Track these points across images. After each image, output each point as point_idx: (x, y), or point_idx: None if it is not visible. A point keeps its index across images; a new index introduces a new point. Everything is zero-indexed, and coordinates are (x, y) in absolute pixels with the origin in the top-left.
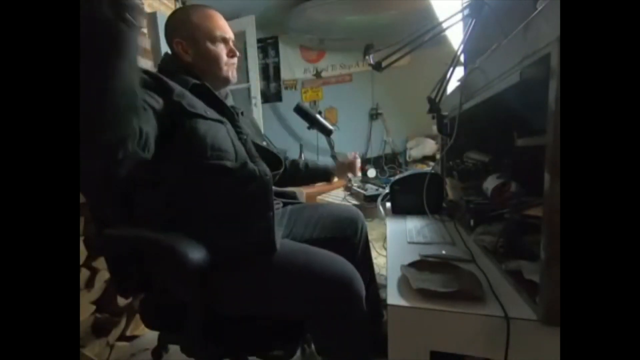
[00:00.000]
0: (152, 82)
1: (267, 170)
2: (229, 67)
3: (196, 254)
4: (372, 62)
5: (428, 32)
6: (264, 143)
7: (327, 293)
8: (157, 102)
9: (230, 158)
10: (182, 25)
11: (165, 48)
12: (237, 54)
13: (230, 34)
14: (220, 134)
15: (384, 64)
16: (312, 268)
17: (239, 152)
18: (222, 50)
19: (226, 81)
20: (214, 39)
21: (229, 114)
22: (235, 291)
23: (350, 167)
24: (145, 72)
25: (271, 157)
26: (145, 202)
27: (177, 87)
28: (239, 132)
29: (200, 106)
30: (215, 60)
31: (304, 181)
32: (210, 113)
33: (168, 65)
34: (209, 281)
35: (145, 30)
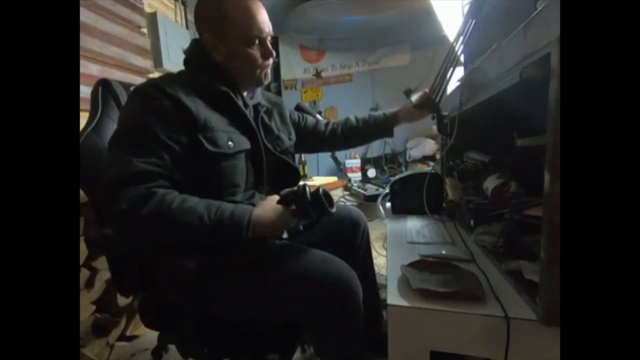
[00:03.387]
0: (175, 113)
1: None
2: (263, 70)
3: (191, 258)
4: (414, 102)
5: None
6: (292, 136)
7: (322, 295)
8: (182, 139)
9: (240, 191)
10: (213, 19)
11: (165, 48)
12: (274, 54)
13: (267, 30)
14: (238, 167)
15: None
16: (307, 269)
17: (249, 182)
18: (256, 52)
19: (258, 84)
20: (249, 41)
21: (251, 131)
22: (231, 294)
23: (425, 104)
24: (168, 96)
25: (287, 167)
26: None
27: (200, 114)
28: (256, 153)
29: (222, 137)
30: (248, 64)
31: (359, 140)
32: (235, 142)
33: (197, 58)
34: (204, 284)
35: (145, 30)
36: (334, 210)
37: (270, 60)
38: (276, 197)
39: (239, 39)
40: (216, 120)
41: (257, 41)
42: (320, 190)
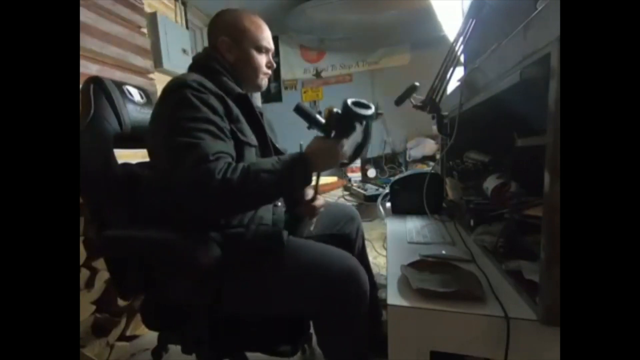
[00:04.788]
0: (220, 106)
1: None
2: (264, 76)
3: (207, 254)
4: (415, 103)
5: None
6: (278, 144)
7: (335, 288)
8: (228, 128)
9: None
10: (231, 26)
11: (165, 48)
12: (274, 66)
13: (272, 46)
14: (253, 159)
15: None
16: (319, 264)
17: None
18: (263, 59)
19: (258, 89)
20: (259, 48)
21: (261, 130)
22: (243, 291)
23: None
24: (211, 91)
25: None
26: (155, 203)
27: (233, 109)
28: (265, 150)
29: (247, 130)
30: (255, 68)
31: None
32: (253, 138)
33: (210, 62)
34: (216, 281)
35: (145, 30)
36: (370, 111)
37: (270, 71)
38: (319, 135)
39: (251, 45)
40: (240, 116)
41: (264, 51)
42: (348, 101)
